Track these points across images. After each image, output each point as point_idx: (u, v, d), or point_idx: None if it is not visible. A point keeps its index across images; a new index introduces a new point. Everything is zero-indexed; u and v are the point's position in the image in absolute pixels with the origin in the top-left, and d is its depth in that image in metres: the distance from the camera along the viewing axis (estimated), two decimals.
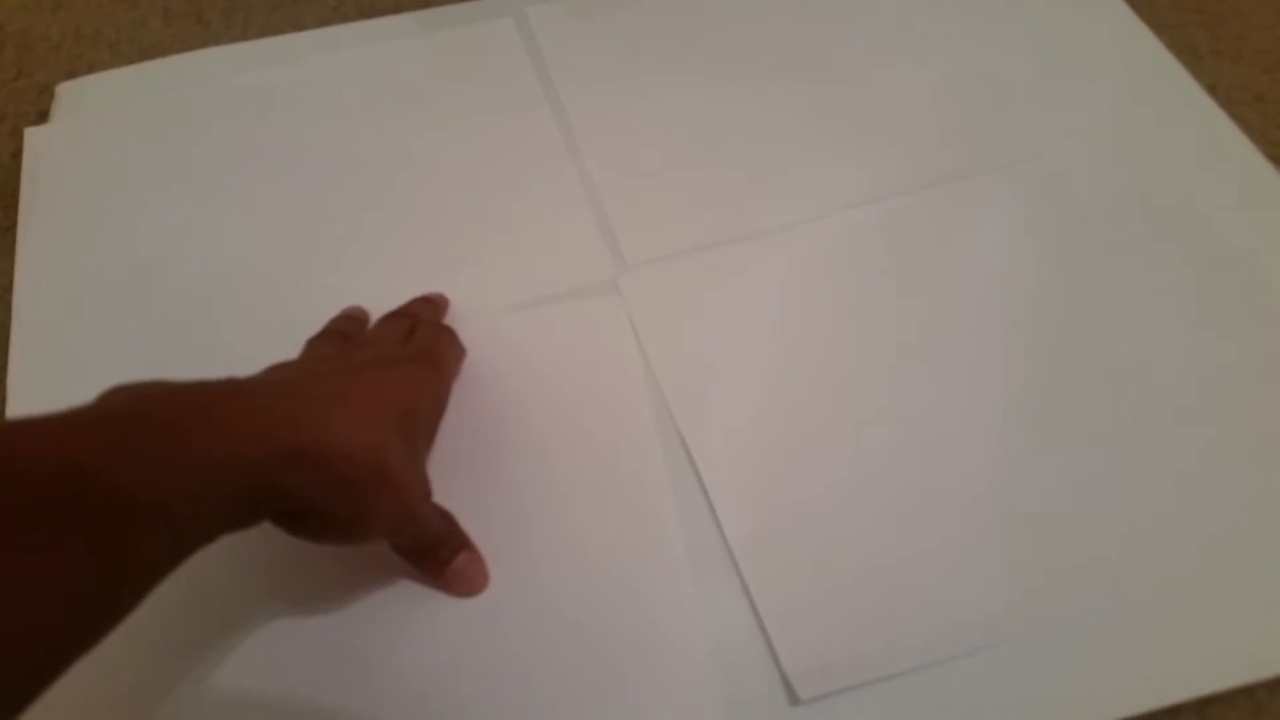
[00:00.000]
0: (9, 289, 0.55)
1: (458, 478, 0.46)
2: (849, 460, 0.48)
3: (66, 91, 0.64)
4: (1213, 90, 0.61)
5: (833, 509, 0.46)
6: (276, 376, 0.42)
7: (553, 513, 0.47)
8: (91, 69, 0.65)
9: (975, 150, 0.59)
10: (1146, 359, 0.51)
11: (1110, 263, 0.54)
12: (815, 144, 0.60)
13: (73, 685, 0.30)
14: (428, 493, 0.43)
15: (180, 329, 0.53)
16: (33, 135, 0.61)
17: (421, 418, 0.44)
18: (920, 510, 0.46)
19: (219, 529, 0.34)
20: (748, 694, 0.42)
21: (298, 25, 0.67)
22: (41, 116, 0.63)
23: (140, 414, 0.33)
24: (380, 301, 0.52)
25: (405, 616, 0.44)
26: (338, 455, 0.36)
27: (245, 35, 0.67)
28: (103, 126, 0.62)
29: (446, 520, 0.44)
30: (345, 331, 0.49)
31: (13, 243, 0.56)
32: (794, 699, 0.42)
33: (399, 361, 0.45)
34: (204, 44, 0.66)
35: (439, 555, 0.44)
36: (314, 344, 0.48)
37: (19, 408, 0.50)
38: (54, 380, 0.51)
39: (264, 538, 0.37)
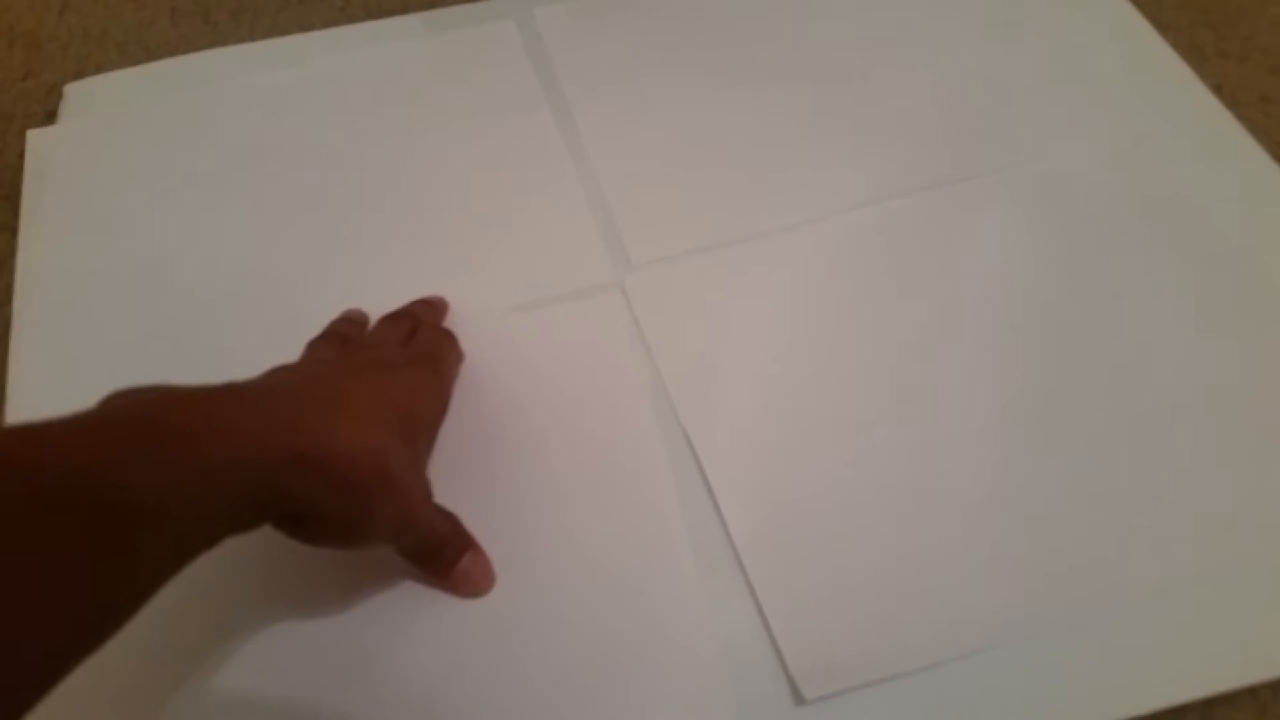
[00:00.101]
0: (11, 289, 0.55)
1: (460, 480, 0.46)
2: (850, 460, 0.48)
3: (74, 92, 0.64)
4: (1218, 91, 0.61)
5: (835, 508, 0.47)
6: (277, 380, 0.42)
7: (556, 514, 0.47)
8: (99, 69, 0.65)
9: (977, 151, 0.59)
10: (1147, 361, 0.51)
11: (1112, 264, 0.54)
12: (817, 145, 0.60)
13: (74, 687, 0.30)
14: (429, 495, 0.43)
15: (184, 330, 0.53)
16: (35, 137, 0.61)
17: (422, 421, 0.44)
18: (921, 510, 0.46)
19: (222, 532, 0.35)
20: (753, 694, 0.42)
21: (305, 26, 0.68)
22: (49, 116, 0.63)
23: (143, 418, 0.33)
24: (384, 302, 0.52)
25: (408, 618, 0.44)
26: (340, 459, 0.37)
27: (252, 36, 0.67)
28: (108, 127, 0.62)
29: (450, 522, 0.44)
30: (345, 334, 0.49)
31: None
32: (799, 699, 0.42)
33: (399, 365, 0.45)
34: (211, 44, 0.67)
35: (443, 557, 0.44)
36: (314, 346, 0.48)
37: (19, 409, 0.50)
38: (55, 381, 0.51)
39: (265, 540, 0.37)
